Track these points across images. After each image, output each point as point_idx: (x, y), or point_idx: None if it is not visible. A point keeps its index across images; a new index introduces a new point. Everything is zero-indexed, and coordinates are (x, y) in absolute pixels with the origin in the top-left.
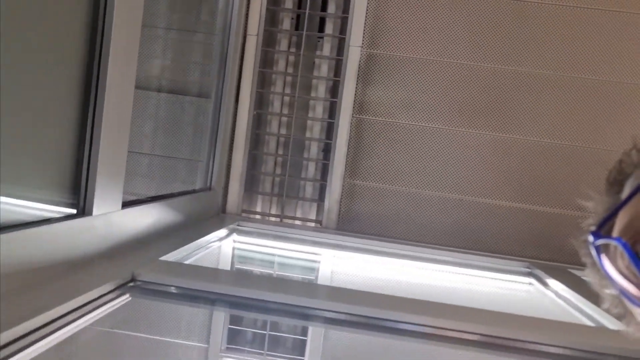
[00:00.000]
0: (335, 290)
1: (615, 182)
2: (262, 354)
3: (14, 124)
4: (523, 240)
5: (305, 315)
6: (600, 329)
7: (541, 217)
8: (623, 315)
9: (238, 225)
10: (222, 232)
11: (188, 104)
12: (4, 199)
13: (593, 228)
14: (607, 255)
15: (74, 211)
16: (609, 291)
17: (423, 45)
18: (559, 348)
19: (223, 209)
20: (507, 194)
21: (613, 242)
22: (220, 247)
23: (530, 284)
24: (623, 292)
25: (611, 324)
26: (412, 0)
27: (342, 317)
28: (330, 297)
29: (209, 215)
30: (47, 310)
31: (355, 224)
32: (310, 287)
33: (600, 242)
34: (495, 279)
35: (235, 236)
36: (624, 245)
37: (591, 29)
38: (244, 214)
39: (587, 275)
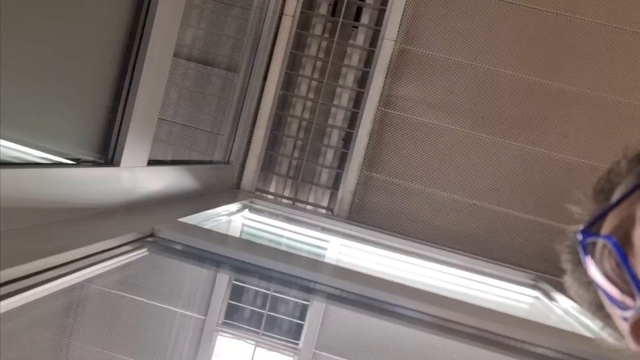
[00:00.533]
0: (339, 268)
1: (603, 191)
2: (257, 332)
3: (58, 77)
4: (533, 253)
5: (307, 288)
6: (596, 339)
7: (554, 232)
8: (603, 322)
9: (251, 202)
10: (235, 206)
11: (216, 76)
12: (37, 142)
13: (582, 227)
14: (593, 257)
15: (103, 160)
16: (587, 297)
17: (457, 47)
18: (552, 351)
19: (237, 185)
20: (522, 205)
21: (603, 240)
22: (231, 220)
23: (536, 297)
24: (607, 294)
25: (613, 338)
26: (453, 1)
27: (343, 294)
28: (333, 274)
29: (223, 188)
30: (67, 251)
31: (366, 216)
32: (314, 263)
33: (590, 240)
34: (501, 287)
35: (246, 212)
36: (615, 244)
37: (631, 52)
38: (257, 192)
39: (566, 281)
